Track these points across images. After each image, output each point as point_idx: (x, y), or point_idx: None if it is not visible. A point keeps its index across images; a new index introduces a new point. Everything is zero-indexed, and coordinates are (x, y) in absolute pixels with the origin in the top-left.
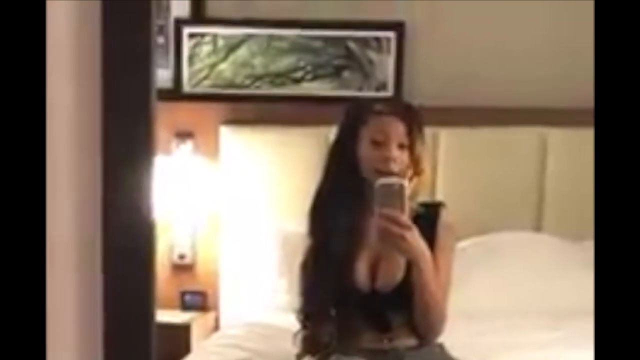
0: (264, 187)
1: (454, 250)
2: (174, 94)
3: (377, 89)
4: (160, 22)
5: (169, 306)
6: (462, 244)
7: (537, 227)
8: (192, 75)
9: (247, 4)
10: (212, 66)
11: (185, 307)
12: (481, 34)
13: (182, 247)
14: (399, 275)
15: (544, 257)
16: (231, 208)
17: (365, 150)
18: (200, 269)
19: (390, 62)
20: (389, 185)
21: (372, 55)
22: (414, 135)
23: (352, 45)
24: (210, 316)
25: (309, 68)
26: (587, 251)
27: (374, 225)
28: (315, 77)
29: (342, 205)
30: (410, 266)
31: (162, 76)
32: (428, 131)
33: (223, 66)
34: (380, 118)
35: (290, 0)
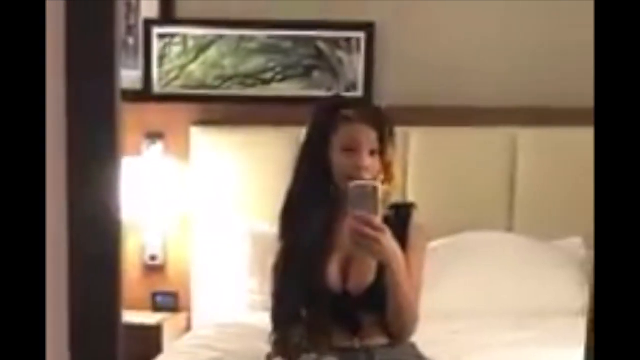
0: (234, 188)
1: (425, 251)
2: (144, 94)
3: (347, 89)
4: (129, 22)
5: (140, 307)
6: (433, 244)
7: (509, 227)
8: (162, 76)
9: (217, 5)
10: (182, 67)
11: (156, 308)
12: (451, 35)
13: (153, 248)
14: (371, 276)
15: (515, 257)
16: (202, 209)
17: (336, 157)
18: (171, 269)
19: (360, 62)
20: (362, 187)
21: (342, 55)
22: (385, 141)
23: (322, 45)
24: (182, 317)
25: (278, 69)
26: (557, 251)
27: (346, 227)
28: (285, 78)
29: (313, 208)
30: (382, 267)
31: (132, 77)
32: (398, 131)
33: (193, 67)
34: (351, 125)
35: (259, 0)
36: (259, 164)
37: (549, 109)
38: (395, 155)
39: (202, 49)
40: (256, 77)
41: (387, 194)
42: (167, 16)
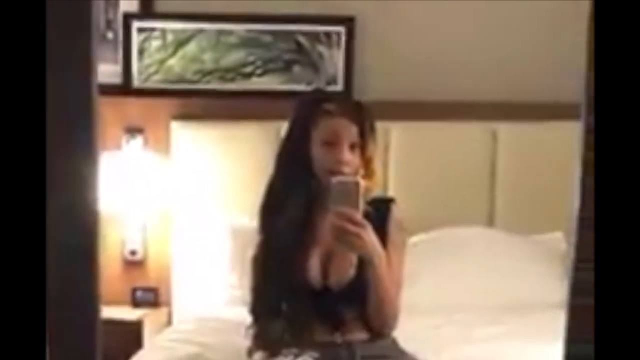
0: (214, 182)
1: (405, 246)
2: (124, 89)
3: (328, 83)
4: (108, 16)
5: (120, 302)
6: (413, 239)
7: (489, 222)
8: (141, 70)
9: None
10: (162, 61)
11: (136, 303)
12: (431, 29)
13: (133, 243)
14: (351, 271)
15: (495, 252)
16: (182, 203)
17: (317, 151)
18: (151, 264)
19: (340, 56)
20: (344, 183)
21: (323, 49)
22: (366, 136)
23: (302, 39)
24: (162, 312)
25: (258, 63)
26: (537, 245)
27: (328, 223)
28: (265, 72)
29: (293, 201)
30: (362, 262)
31: (112, 71)
32: (379, 125)
33: (173, 61)
34: (331, 119)
35: None
36: (239, 158)
37: (529, 104)
38: (376, 151)
39: (181, 43)
40: (236, 72)
41: (367, 190)
42: (147, 10)
